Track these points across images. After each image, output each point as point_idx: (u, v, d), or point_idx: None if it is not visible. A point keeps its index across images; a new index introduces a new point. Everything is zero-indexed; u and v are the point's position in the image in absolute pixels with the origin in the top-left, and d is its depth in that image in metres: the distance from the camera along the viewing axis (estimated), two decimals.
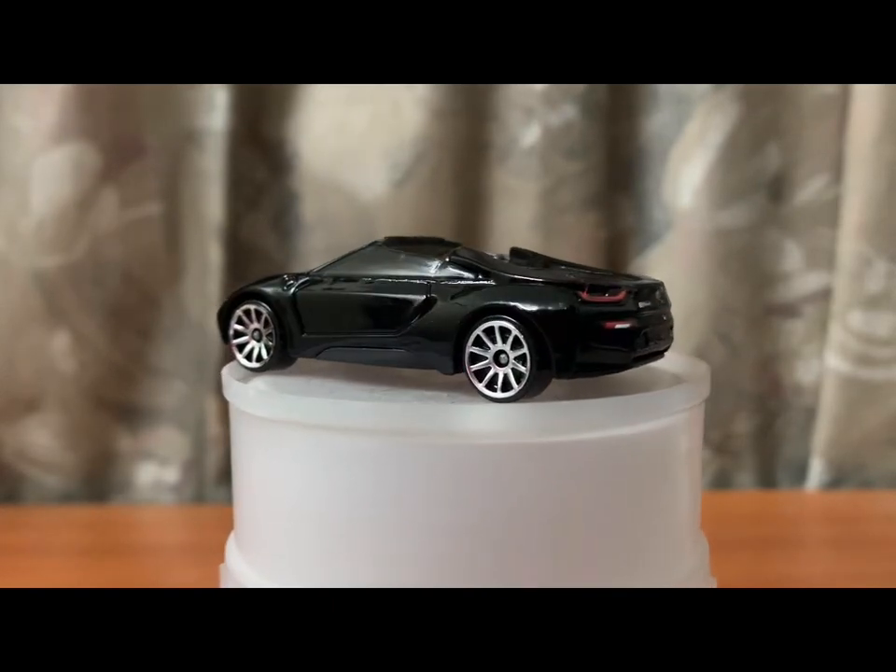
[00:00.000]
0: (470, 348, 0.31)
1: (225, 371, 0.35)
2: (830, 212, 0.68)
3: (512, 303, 0.31)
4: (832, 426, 0.69)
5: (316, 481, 0.31)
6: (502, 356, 0.31)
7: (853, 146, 0.67)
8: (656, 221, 0.69)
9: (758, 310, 0.70)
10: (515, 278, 0.32)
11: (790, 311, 0.70)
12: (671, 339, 0.35)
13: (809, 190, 0.69)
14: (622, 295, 0.31)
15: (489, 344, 0.31)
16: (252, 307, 0.36)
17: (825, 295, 0.69)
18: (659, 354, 0.34)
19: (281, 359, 0.36)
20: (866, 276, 0.67)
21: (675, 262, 0.69)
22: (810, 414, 0.70)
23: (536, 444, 0.29)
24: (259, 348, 0.36)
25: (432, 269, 0.33)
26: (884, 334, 0.68)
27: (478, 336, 0.31)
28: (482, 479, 0.29)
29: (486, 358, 0.31)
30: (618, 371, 0.32)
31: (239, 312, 0.36)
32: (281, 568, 0.32)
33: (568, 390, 0.33)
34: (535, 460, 0.29)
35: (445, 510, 0.29)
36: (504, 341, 0.31)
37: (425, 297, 0.32)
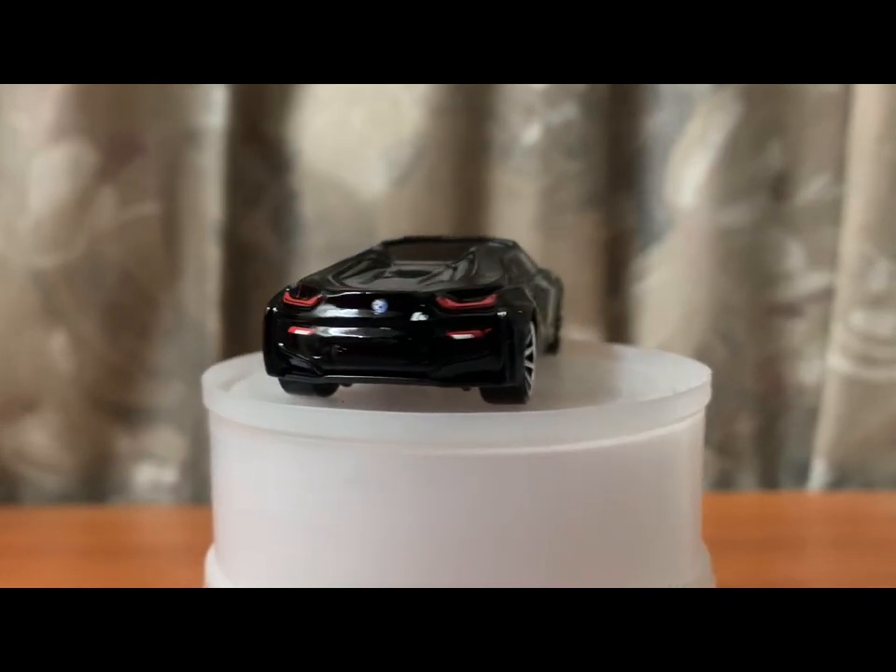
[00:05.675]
0: None
1: (205, 376, 0.35)
2: (832, 211, 0.68)
3: None
4: (834, 426, 0.69)
5: (298, 490, 0.30)
6: None
7: (855, 145, 0.66)
8: (657, 221, 0.69)
9: (759, 309, 0.69)
10: None
11: (791, 310, 0.70)
12: (427, 362, 0.29)
13: (811, 190, 0.68)
14: (313, 300, 0.30)
15: None
16: None
17: (827, 295, 0.69)
18: (393, 375, 0.30)
19: None
20: (868, 276, 0.67)
21: (676, 262, 0.68)
22: (812, 415, 0.70)
23: (530, 454, 0.29)
24: None
25: None
26: (886, 334, 0.68)
27: None
28: (472, 489, 0.29)
29: None
30: (317, 382, 0.31)
31: None
32: (263, 580, 0.32)
33: (560, 399, 0.33)
34: (529, 470, 0.29)
35: (441, 519, 0.29)
36: None
37: None
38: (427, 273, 0.33)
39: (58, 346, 0.66)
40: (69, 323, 0.66)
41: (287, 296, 0.31)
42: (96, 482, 0.69)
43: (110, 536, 0.63)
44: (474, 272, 0.32)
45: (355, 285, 0.31)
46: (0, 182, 0.65)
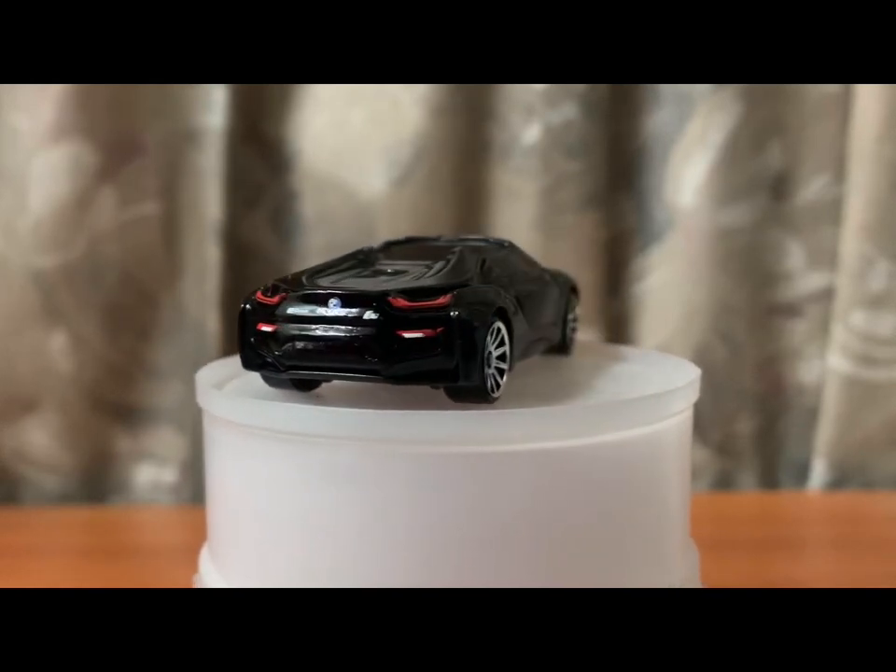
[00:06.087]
0: None
1: (199, 375, 0.35)
2: (832, 211, 0.68)
3: None
4: (834, 426, 0.69)
5: (291, 489, 0.30)
6: None
7: (855, 145, 0.66)
8: (657, 220, 0.69)
9: (759, 309, 0.69)
10: None
11: (791, 310, 0.70)
12: (389, 361, 0.30)
13: (811, 190, 0.69)
14: (277, 298, 0.31)
15: None
16: None
17: (827, 295, 0.69)
18: (348, 372, 0.30)
19: None
20: (868, 276, 0.67)
21: (676, 262, 0.68)
22: (812, 415, 0.70)
23: (519, 452, 0.29)
24: None
25: None
26: (886, 334, 0.68)
27: None
28: (464, 487, 0.29)
29: None
30: (280, 377, 0.32)
31: None
32: (254, 578, 0.32)
33: (550, 398, 0.33)
34: (518, 467, 0.29)
35: (434, 517, 0.29)
36: None
37: None
38: (404, 272, 0.33)
39: (58, 346, 0.66)
40: (69, 323, 0.66)
41: (259, 294, 0.32)
42: (96, 482, 0.69)
43: (110, 536, 0.63)
44: (444, 271, 0.32)
45: (324, 284, 0.32)
46: (0, 182, 0.65)
